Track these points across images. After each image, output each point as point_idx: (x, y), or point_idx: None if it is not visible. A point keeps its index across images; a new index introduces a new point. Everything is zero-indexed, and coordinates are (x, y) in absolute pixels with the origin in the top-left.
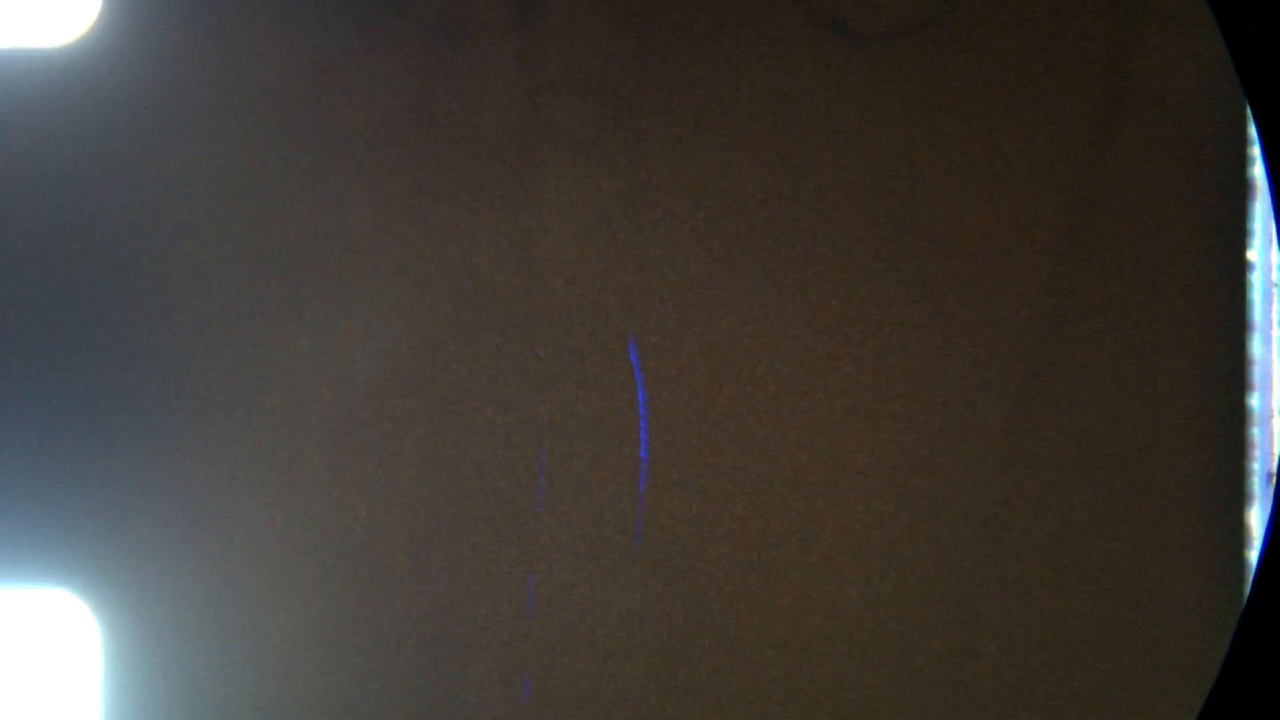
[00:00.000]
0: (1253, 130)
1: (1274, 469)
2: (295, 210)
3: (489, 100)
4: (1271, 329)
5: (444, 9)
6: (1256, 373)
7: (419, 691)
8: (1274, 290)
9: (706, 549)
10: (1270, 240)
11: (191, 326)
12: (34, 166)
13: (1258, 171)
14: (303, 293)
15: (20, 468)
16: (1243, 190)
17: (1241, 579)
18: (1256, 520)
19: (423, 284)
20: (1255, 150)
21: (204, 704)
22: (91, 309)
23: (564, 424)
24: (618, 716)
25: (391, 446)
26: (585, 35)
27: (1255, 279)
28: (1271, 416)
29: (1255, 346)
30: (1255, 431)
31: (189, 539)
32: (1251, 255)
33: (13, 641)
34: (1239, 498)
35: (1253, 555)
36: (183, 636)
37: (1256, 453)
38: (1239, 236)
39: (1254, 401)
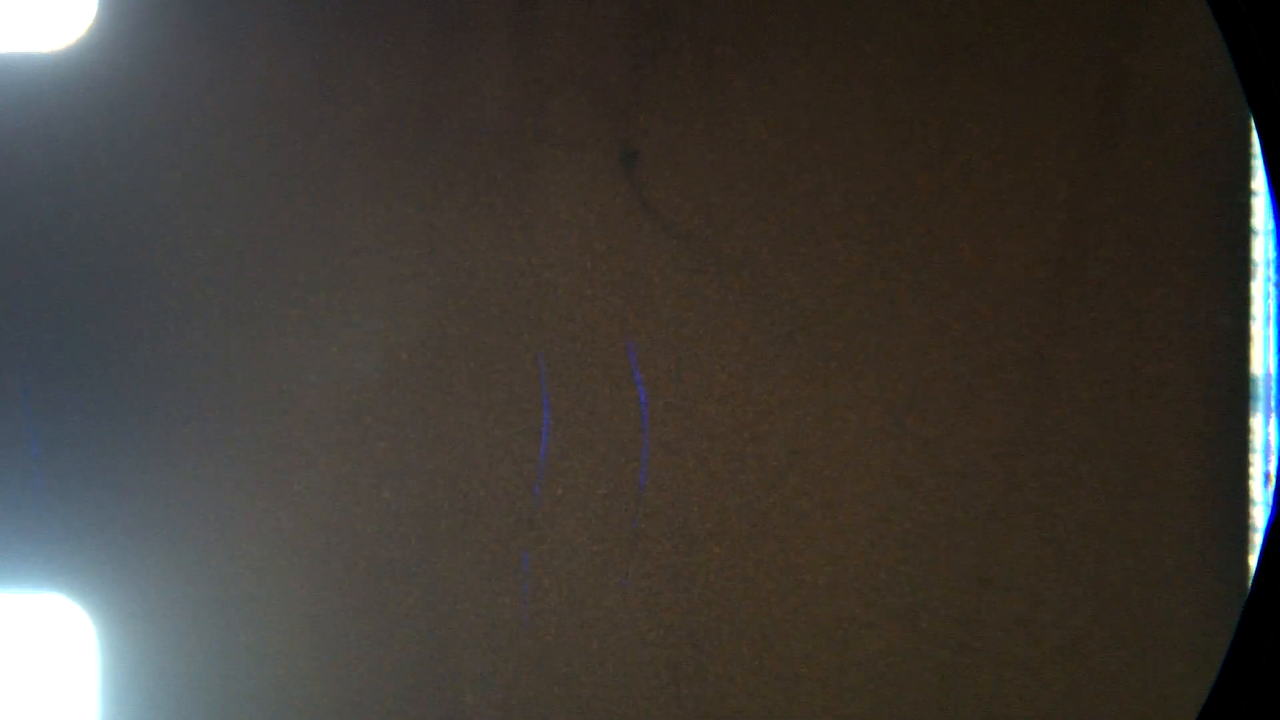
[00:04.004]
0: (1254, 130)
1: (1274, 469)
2: (294, 211)
3: (489, 100)
4: (1272, 329)
5: (444, 8)
6: (1257, 373)
7: (418, 694)
8: (1274, 290)
9: (706, 547)
10: (1271, 240)
11: (190, 328)
12: (29, 171)
13: (1258, 172)
14: (301, 294)
15: (16, 470)
16: (1243, 190)
17: (1242, 579)
18: (1257, 520)
19: (422, 283)
20: (1256, 150)
21: (203, 708)
22: (88, 312)
23: (564, 422)
24: (619, 715)
25: (392, 448)
26: (585, 35)
27: (1256, 279)
28: (1272, 417)
29: (1255, 347)
30: (1256, 432)
31: (187, 542)
32: (1252, 255)
33: (9, 647)
34: (1239, 498)
35: (1253, 555)
36: (181, 641)
37: (1257, 453)
38: (1240, 236)
39: (1254, 402)
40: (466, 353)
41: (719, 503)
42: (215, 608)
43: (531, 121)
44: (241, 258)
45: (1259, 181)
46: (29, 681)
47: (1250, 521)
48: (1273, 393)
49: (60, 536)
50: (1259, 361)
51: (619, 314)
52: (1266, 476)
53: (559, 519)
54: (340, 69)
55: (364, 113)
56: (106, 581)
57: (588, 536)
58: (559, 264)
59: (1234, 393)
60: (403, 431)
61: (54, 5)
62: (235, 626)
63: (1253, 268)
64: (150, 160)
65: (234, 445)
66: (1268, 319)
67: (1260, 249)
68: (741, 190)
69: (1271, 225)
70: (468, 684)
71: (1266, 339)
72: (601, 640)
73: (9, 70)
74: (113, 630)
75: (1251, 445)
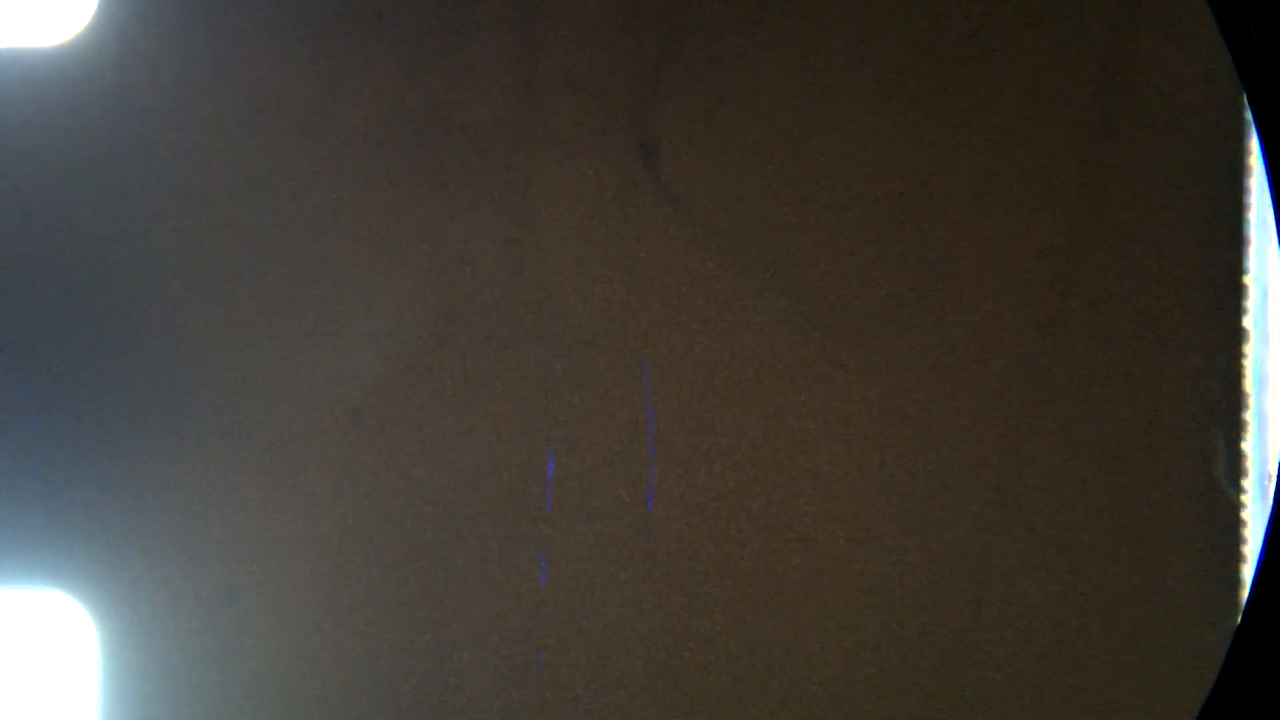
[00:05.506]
0: (1254, 130)
1: (1274, 469)
2: (293, 211)
3: (488, 100)
4: (1270, 331)
5: (443, 8)
6: (1256, 374)
7: (422, 695)
8: (1274, 289)
9: (713, 551)
10: (1270, 241)
11: (191, 327)
12: (27, 168)
13: (1258, 173)
14: (302, 294)
15: (15, 467)
16: (1243, 192)
17: (1241, 579)
18: (1257, 520)
19: (423, 284)
20: (1255, 151)
21: (203, 708)
22: (87, 308)
23: (568, 424)
24: (620, 716)
25: (394, 448)
26: (585, 34)
27: (1254, 281)
28: (1271, 417)
29: (1254, 348)
30: (1255, 432)
31: (188, 540)
32: (1251, 256)
33: (8, 645)
34: (1239, 499)
35: (1253, 555)
36: (182, 639)
37: (1257, 453)
38: (1239, 237)
39: (1253, 403)
40: (467, 352)
41: (723, 507)
42: (217, 606)
43: (534, 121)
44: (240, 255)
45: (1259, 182)
46: (28, 679)
47: (1250, 521)
48: (1272, 393)
49: (60, 533)
50: (1258, 361)
51: (620, 314)
52: (1266, 476)
53: (567, 521)
54: (340, 69)
55: (364, 112)
56: (107, 578)
57: (595, 538)
58: (559, 264)
59: (1233, 393)
60: (405, 433)
61: (52, 0)
62: (237, 625)
63: (1252, 267)
64: (150, 156)
65: (236, 443)
66: (1266, 318)
67: (1259, 250)
68: (739, 192)
69: (1271, 227)
70: (471, 686)
71: (1265, 338)
72: (604, 641)
73: (7, 66)
74: (113, 627)
75: (1251, 445)
